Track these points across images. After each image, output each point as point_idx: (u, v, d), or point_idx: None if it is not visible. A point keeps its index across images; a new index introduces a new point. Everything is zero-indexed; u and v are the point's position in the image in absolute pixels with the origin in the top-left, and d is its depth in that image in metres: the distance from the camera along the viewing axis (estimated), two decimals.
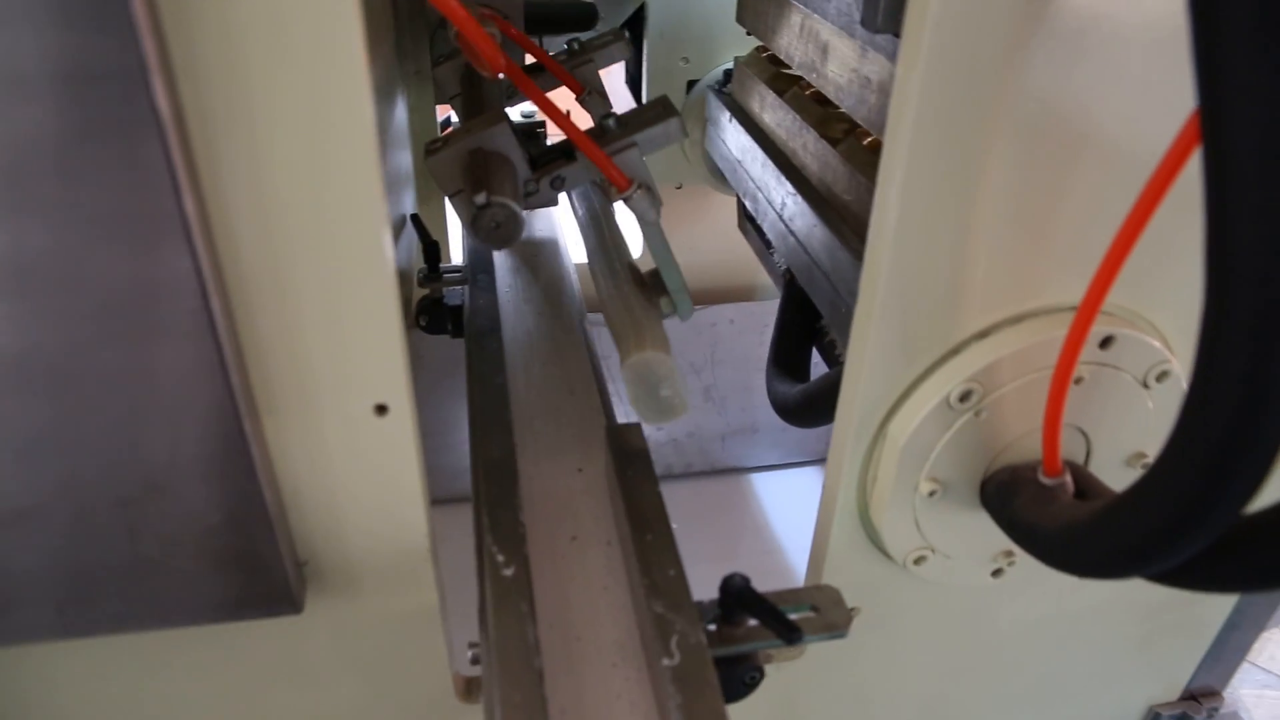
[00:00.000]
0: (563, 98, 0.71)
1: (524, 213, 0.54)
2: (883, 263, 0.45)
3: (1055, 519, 0.44)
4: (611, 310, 0.60)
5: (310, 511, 0.46)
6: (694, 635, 0.43)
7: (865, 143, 0.64)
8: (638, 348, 0.54)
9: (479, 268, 0.79)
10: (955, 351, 0.49)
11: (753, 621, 0.49)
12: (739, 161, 0.86)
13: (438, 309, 0.85)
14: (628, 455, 0.55)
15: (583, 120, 0.63)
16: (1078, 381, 0.49)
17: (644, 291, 0.63)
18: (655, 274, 0.64)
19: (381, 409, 0.43)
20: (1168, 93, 0.43)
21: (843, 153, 0.64)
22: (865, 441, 0.52)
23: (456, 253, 1.18)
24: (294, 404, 0.42)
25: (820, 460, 1.28)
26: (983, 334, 0.49)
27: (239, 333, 0.39)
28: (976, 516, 0.53)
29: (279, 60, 0.34)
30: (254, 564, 0.45)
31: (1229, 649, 0.76)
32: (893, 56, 0.56)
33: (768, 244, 1.01)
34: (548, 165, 0.61)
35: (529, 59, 0.81)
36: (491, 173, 0.53)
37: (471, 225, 0.52)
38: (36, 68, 0.31)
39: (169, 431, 0.40)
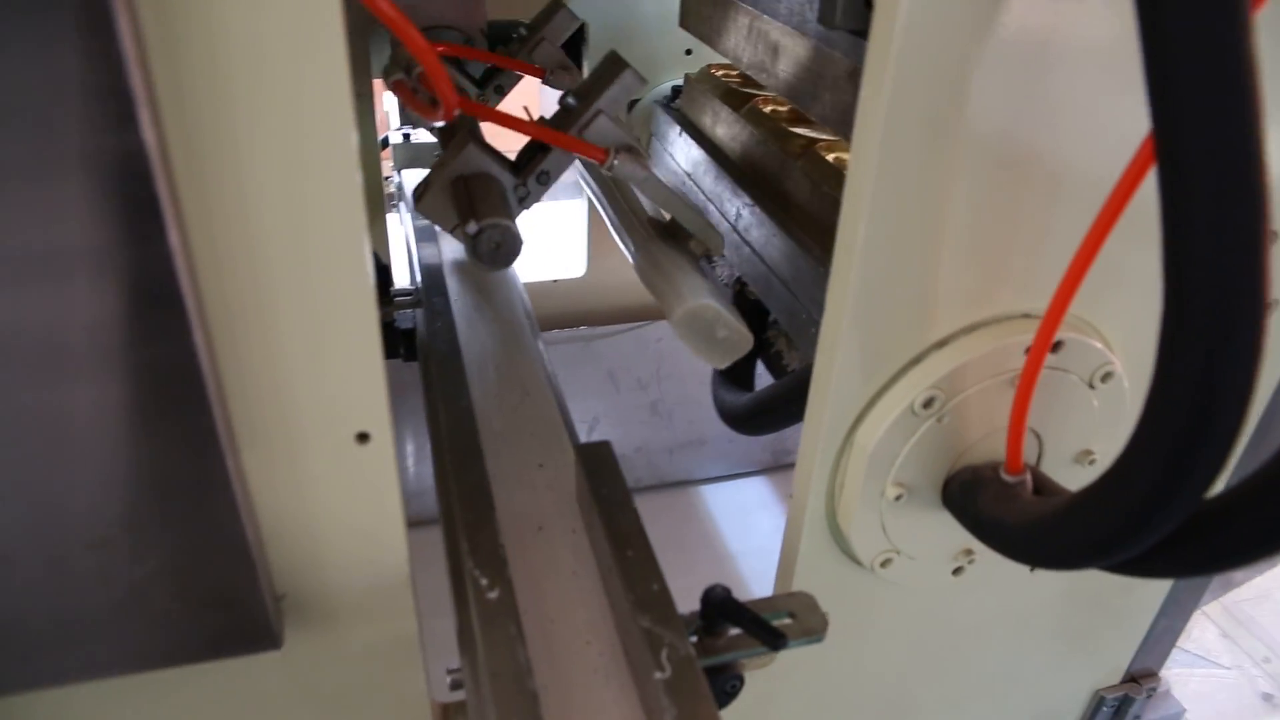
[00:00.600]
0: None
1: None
2: (850, 280, 0.46)
3: (1020, 514, 0.46)
4: (645, 276, 0.60)
5: (289, 543, 0.45)
6: (683, 648, 0.44)
7: (831, 157, 0.66)
8: (678, 303, 0.54)
9: (433, 290, 0.78)
10: (917, 360, 0.51)
11: (733, 631, 0.50)
12: (688, 174, 0.88)
13: (389, 333, 0.84)
14: (600, 474, 0.55)
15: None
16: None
17: (672, 243, 0.63)
18: (676, 221, 0.64)
19: (363, 437, 0.43)
20: (1115, 114, 0.45)
21: (803, 167, 0.66)
22: (833, 450, 0.53)
23: (400, 275, 1.17)
24: (275, 436, 0.42)
25: (766, 470, 1.31)
26: (942, 343, 0.51)
27: (220, 366, 0.39)
28: (939, 517, 0.55)
29: (264, 92, 0.34)
30: (232, 601, 0.44)
31: (1163, 633, 0.80)
32: (849, 52, 0.58)
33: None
34: (529, 164, 0.61)
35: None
36: (476, 198, 0.53)
37: (473, 254, 0.52)
38: (21, 100, 0.30)
39: (147, 470, 0.39)
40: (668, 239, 0.62)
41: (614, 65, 0.61)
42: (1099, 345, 0.53)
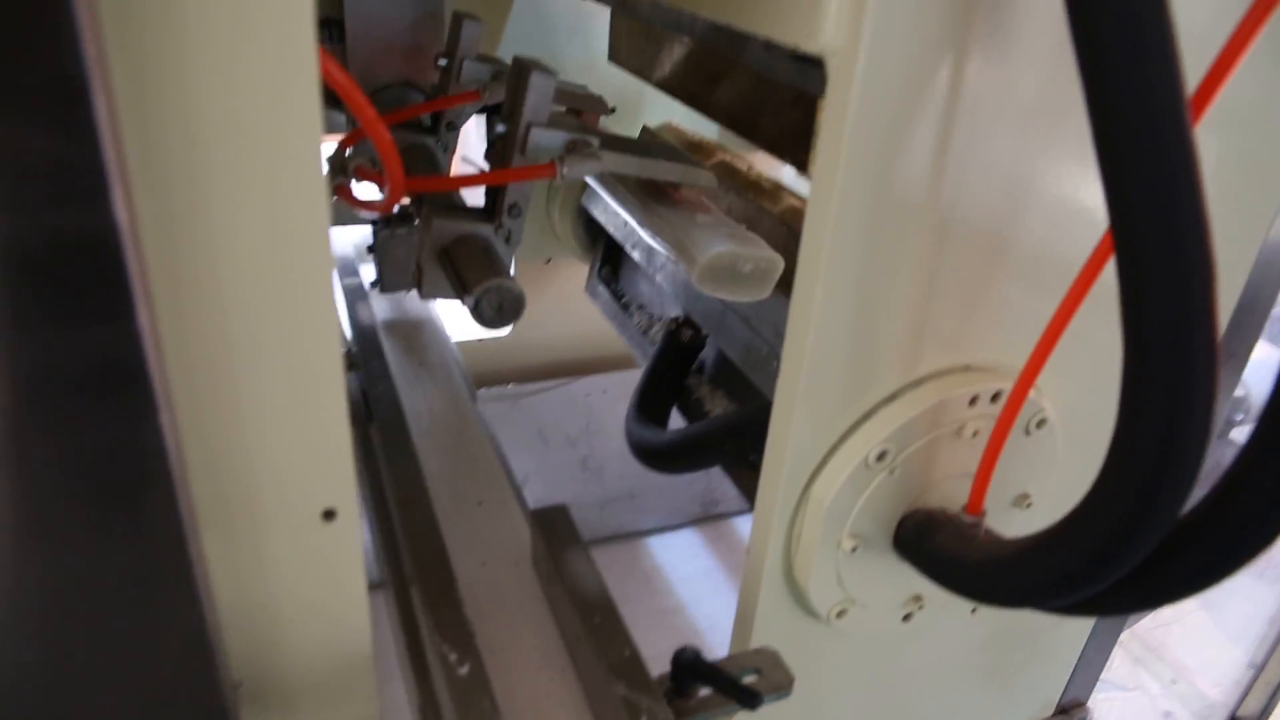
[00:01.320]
0: None
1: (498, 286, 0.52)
2: (806, 342, 0.48)
3: (979, 553, 0.48)
4: (657, 242, 0.58)
5: (249, 628, 0.43)
6: (662, 713, 0.44)
7: (790, 204, 0.68)
8: (692, 266, 0.54)
9: (370, 353, 0.77)
10: (868, 416, 0.53)
11: (704, 691, 0.50)
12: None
13: None
14: (559, 539, 0.55)
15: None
16: (974, 434, 0.54)
17: (668, 200, 0.61)
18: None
19: (329, 514, 0.42)
20: (1045, 181, 0.49)
21: (775, 212, 0.67)
22: (790, 506, 0.55)
23: None
24: (239, 516, 0.40)
25: (696, 521, 1.32)
26: (890, 398, 0.53)
27: (184, 447, 0.37)
28: (891, 566, 0.57)
29: (240, 170, 0.33)
30: (188, 694, 0.42)
31: (1090, 665, 0.84)
32: (790, 79, 0.59)
33: (625, 305, 1.03)
34: (496, 204, 0.60)
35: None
36: (461, 266, 0.53)
37: (480, 322, 0.51)
38: None
39: (102, 558, 0.37)
40: (661, 200, 0.60)
41: (521, 73, 0.59)
42: (1032, 394, 0.56)
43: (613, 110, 0.67)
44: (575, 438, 1.20)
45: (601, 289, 1.06)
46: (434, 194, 0.61)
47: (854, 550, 0.55)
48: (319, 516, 0.42)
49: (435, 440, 0.68)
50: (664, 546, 1.28)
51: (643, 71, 0.82)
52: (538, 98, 0.58)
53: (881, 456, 0.52)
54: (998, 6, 0.43)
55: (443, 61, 0.78)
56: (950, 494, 0.56)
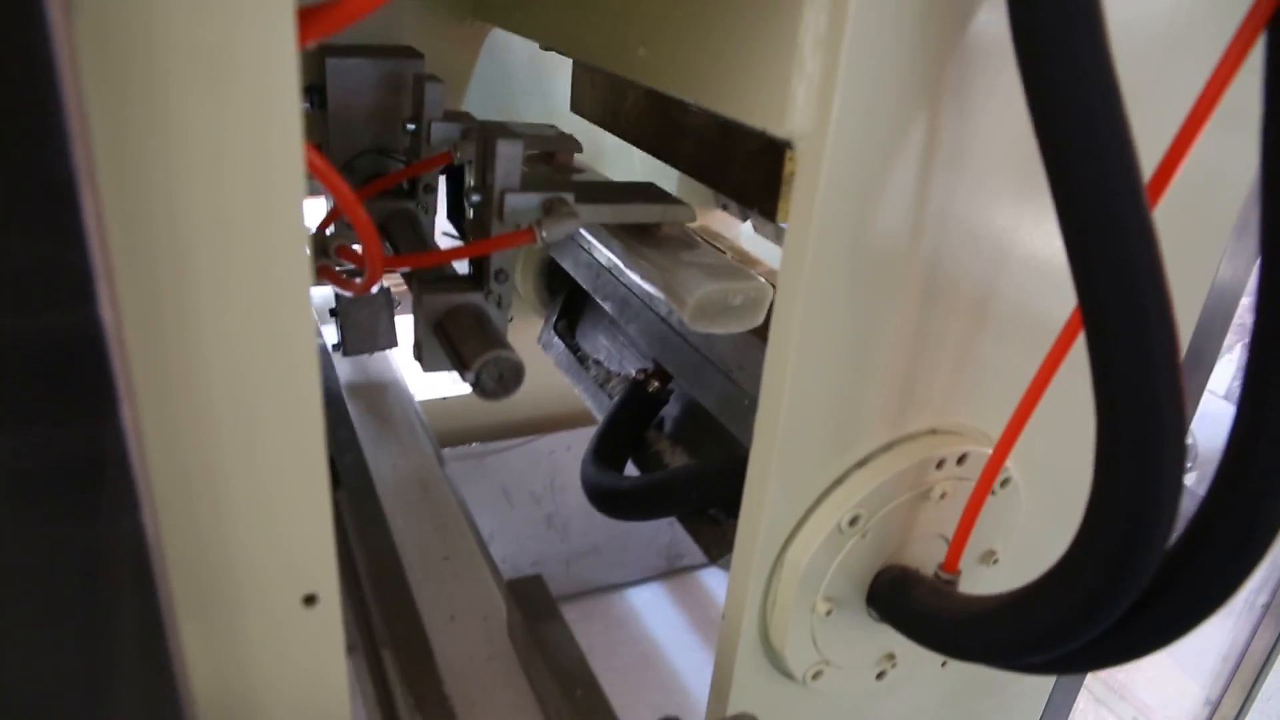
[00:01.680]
0: None
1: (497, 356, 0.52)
2: (780, 410, 0.49)
3: (958, 608, 0.49)
4: (647, 286, 0.58)
5: (225, 718, 0.43)
6: None
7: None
8: (681, 307, 0.53)
9: (337, 420, 0.76)
10: (840, 481, 0.54)
11: None
12: (607, 268, 0.88)
13: None
14: (537, 611, 0.55)
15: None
16: (942, 496, 0.56)
17: (651, 239, 0.61)
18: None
19: (310, 599, 0.42)
20: (1012, 244, 0.51)
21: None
22: (765, 570, 0.55)
23: None
24: (219, 604, 0.40)
25: (661, 575, 1.31)
26: (862, 463, 0.54)
27: (165, 540, 0.37)
28: (864, 626, 0.58)
29: (225, 266, 0.33)
30: None
31: (1056, 710, 0.85)
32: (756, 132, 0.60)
33: (581, 359, 1.04)
34: (483, 272, 0.60)
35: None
36: (456, 339, 0.53)
37: (482, 396, 0.51)
38: None
39: (77, 656, 0.36)
40: (644, 240, 0.60)
41: (486, 140, 0.59)
42: (990, 452, 0.58)
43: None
44: (540, 495, 1.20)
45: (556, 341, 1.06)
46: (415, 273, 0.62)
47: (829, 613, 0.56)
48: (300, 602, 0.41)
49: (407, 509, 0.67)
50: (630, 601, 1.27)
51: (606, 122, 0.82)
52: (507, 164, 0.59)
53: (854, 521, 0.53)
54: (964, 81, 0.45)
55: (411, 126, 0.78)
56: (921, 554, 0.57)
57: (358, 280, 0.59)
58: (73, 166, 0.29)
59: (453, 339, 0.54)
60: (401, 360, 1.02)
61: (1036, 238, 0.52)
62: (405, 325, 0.98)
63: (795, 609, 0.55)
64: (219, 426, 0.36)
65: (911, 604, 0.53)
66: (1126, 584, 0.37)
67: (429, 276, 0.58)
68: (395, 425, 0.83)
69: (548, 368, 1.17)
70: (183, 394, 0.35)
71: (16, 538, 0.33)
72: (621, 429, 0.87)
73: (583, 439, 1.22)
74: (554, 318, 1.06)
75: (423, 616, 0.55)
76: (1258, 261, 0.35)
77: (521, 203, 0.58)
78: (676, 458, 0.88)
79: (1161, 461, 0.34)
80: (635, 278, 0.61)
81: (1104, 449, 0.35)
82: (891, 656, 0.62)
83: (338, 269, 0.60)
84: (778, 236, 1.03)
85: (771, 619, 0.57)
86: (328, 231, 0.66)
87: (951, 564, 0.52)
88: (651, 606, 1.27)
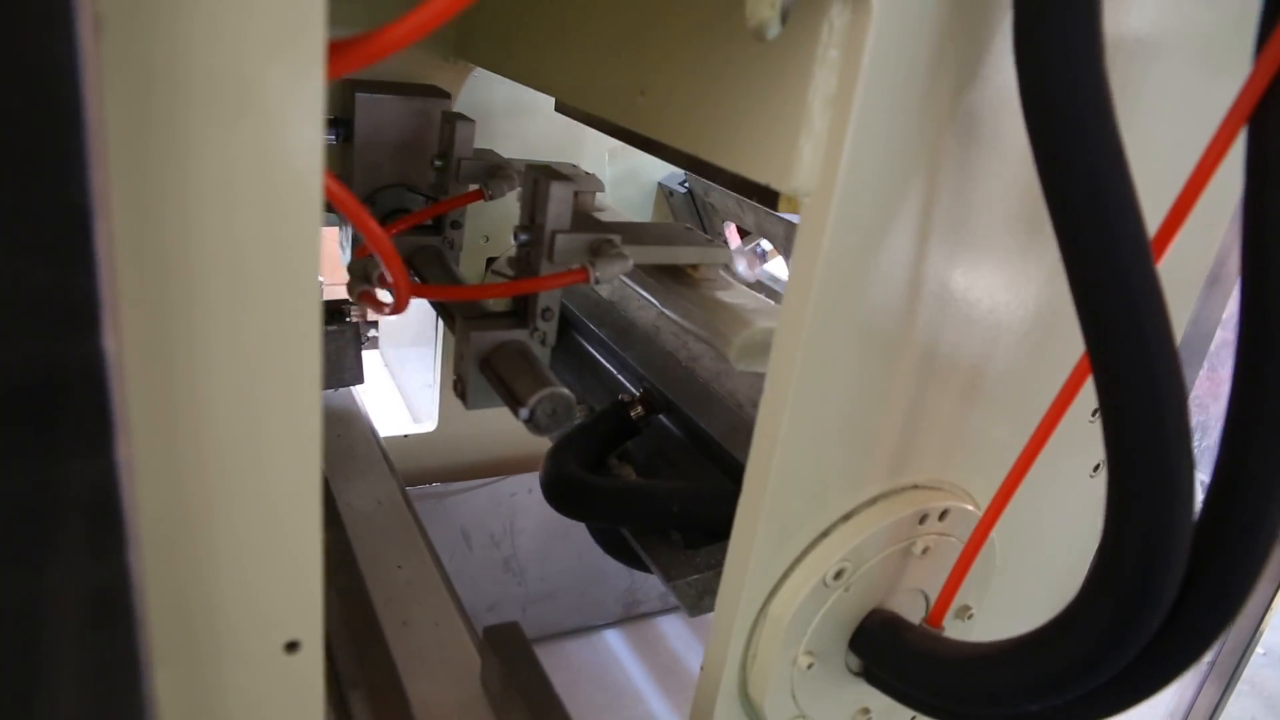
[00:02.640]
0: None
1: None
2: (771, 465, 0.49)
3: (955, 651, 0.49)
4: (687, 324, 0.58)
5: None
6: None
7: None
8: (725, 344, 0.53)
9: None
10: (825, 534, 0.54)
11: None
12: (611, 302, 0.87)
13: None
14: (514, 659, 0.54)
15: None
16: (924, 551, 0.56)
17: (686, 279, 0.60)
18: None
19: (292, 646, 0.40)
20: (1008, 323, 0.52)
21: None
22: (748, 623, 0.55)
23: None
24: (197, 650, 0.38)
25: (618, 622, 1.30)
26: (847, 516, 0.54)
27: (148, 582, 0.35)
28: (841, 680, 0.58)
29: (237, 298, 0.33)
30: None
31: None
32: None
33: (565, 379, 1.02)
34: (529, 310, 0.60)
35: None
36: (506, 377, 0.52)
37: (535, 431, 0.51)
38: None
39: (47, 705, 0.34)
40: (679, 279, 0.60)
41: (539, 182, 0.60)
42: (972, 509, 0.58)
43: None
44: (499, 538, 1.18)
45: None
46: (460, 302, 0.61)
47: (809, 667, 0.55)
48: (281, 649, 0.40)
49: (374, 553, 0.65)
50: (587, 647, 1.25)
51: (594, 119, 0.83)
52: (559, 206, 0.60)
53: (839, 574, 0.53)
54: (968, 142, 0.46)
55: (438, 162, 0.79)
56: (900, 609, 0.57)
57: (389, 305, 0.59)
58: (90, 191, 0.28)
59: (502, 376, 0.53)
60: (365, 396, 1.00)
61: (1031, 304, 0.53)
62: (369, 360, 0.96)
63: (777, 662, 0.55)
64: (214, 462, 0.35)
65: (906, 644, 0.53)
66: (1138, 630, 0.38)
67: (470, 313, 0.57)
68: (360, 461, 0.82)
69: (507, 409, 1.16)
70: (178, 430, 0.34)
71: None
72: (592, 440, 0.84)
73: None
74: None
75: (396, 661, 0.53)
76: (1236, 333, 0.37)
77: (572, 243, 0.59)
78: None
79: (1174, 509, 0.35)
80: (675, 319, 0.62)
81: (1117, 498, 0.36)
82: (866, 711, 0.62)
83: (378, 293, 0.60)
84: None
85: (751, 672, 0.56)
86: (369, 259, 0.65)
87: (936, 618, 0.52)
88: (608, 653, 1.25)
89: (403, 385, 1.24)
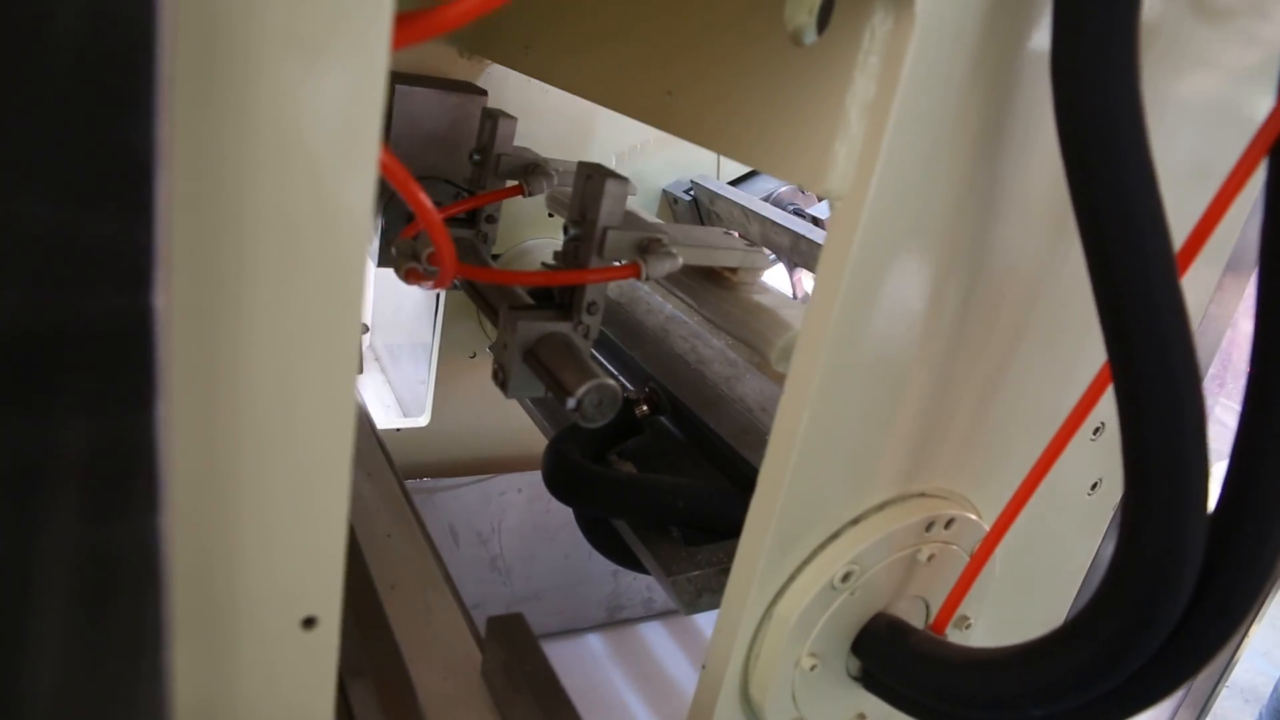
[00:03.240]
0: None
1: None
2: (787, 467, 0.49)
3: (962, 655, 0.50)
4: (723, 326, 0.58)
5: None
6: None
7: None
8: (767, 346, 0.55)
9: None
10: (834, 537, 0.54)
11: None
12: (619, 303, 0.87)
13: None
14: (519, 650, 0.53)
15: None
16: (929, 559, 0.56)
17: (723, 281, 0.62)
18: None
19: (309, 622, 0.40)
20: (1028, 338, 0.53)
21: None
22: (754, 624, 0.55)
23: None
24: (217, 623, 0.37)
25: (600, 626, 1.29)
26: (855, 520, 0.55)
27: (176, 549, 0.35)
28: (839, 684, 0.58)
29: (286, 261, 0.32)
30: None
31: None
32: None
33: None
34: (574, 303, 0.60)
35: None
36: (553, 368, 0.52)
37: (582, 421, 0.51)
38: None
39: (59, 672, 0.34)
40: (716, 281, 0.62)
41: (594, 180, 0.62)
42: (974, 518, 0.59)
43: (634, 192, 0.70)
44: (486, 536, 1.17)
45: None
46: (505, 291, 0.61)
47: (812, 669, 0.56)
48: (299, 624, 0.39)
49: (378, 547, 0.65)
50: (570, 650, 1.25)
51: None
52: (613, 203, 0.61)
53: (846, 577, 0.54)
54: (1000, 151, 0.46)
55: (476, 157, 0.80)
56: (901, 616, 0.58)
57: (429, 280, 0.59)
58: (155, 142, 0.28)
59: (549, 366, 0.54)
60: (361, 387, 0.99)
61: (1048, 318, 0.54)
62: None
63: (781, 662, 0.55)
64: (248, 430, 0.34)
65: (911, 647, 0.53)
66: (1149, 639, 0.38)
67: (512, 303, 0.58)
68: (359, 453, 0.81)
69: (503, 408, 1.15)
70: (216, 393, 0.33)
71: (28, 534, 0.31)
72: (594, 434, 0.83)
73: (533, 482, 1.20)
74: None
75: (401, 648, 0.53)
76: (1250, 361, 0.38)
77: (622, 239, 0.61)
78: None
79: (1189, 524, 0.36)
80: (711, 316, 0.63)
81: (1134, 509, 0.37)
82: (862, 716, 0.62)
83: (423, 271, 0.60)
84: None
85: (754, 672, 0.56)
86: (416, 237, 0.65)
87: (940, 625, 0.53)
88: (590, 657, 1.24)
89: (394, 379, 1.23)
